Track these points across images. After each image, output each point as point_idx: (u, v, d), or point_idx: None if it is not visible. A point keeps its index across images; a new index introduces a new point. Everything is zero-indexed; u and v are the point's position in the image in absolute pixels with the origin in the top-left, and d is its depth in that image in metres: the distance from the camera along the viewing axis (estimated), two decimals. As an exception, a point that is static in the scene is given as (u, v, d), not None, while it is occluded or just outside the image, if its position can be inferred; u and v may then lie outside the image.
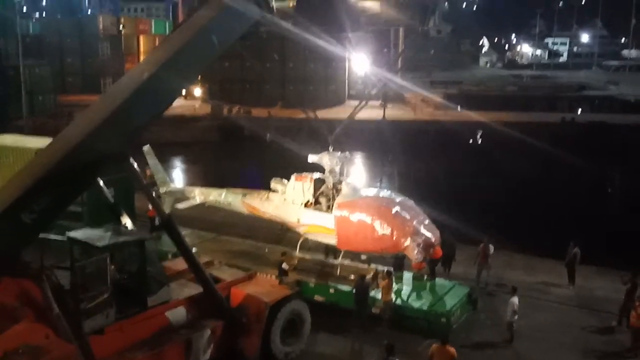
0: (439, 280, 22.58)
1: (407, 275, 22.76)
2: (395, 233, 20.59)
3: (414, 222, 20.97)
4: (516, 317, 19.68)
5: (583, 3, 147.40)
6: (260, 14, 15.35)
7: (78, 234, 15.10)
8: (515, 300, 19.68)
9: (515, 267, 26.37)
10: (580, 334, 20.55)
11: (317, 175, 23.07)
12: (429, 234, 20.92)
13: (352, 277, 21.92)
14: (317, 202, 22.83)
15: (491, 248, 23.77)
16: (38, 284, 13.31)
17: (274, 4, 15.93)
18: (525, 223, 35.13)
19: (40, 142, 23.80)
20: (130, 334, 14.64)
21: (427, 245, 20.63)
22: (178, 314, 15.72)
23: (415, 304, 20.73)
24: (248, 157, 55.82)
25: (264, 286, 17.71)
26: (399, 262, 22.90)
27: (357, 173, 50.78)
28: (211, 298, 16.22)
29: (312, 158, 22.98)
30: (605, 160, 52.82)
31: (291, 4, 72.39)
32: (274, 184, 24.13)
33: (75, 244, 14.92)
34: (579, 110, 79.45)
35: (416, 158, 56.86)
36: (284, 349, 17.51)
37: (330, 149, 23.09)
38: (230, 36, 15.49)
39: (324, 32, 20.28)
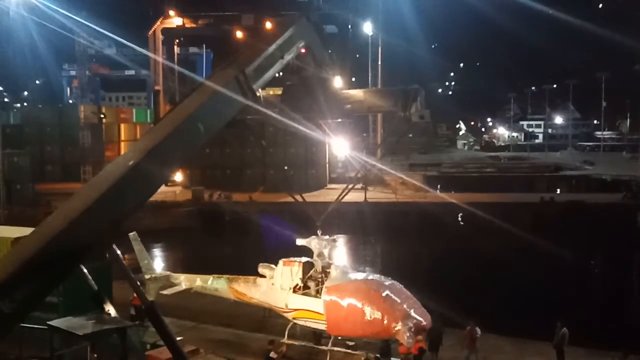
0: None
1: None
2: (386, 317, 20.46)
3: (405, 306, 20.88)
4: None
5: (555, 86, 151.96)
6: (245, 103, 15.60)
7: (59, 322, 14.73)
8: None
9: (503, 351, 25.91)
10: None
11: (305, 259, 23.04)
12: (419, 318, 20.79)
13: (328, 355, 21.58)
14: (305, 286, 22.71)
15: (478, 331, 23.40)
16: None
17: (260, 93, 16.25)
18: (511, 305, 34.93)
19: (16, 232, 23.60)
20: None
21: (418, 329, 20.41)
22: (161, 405, 15.20)
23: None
24: (230, 243, 55.51)
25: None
26: (386, 348, 22.52)
27: (341, 256, 50.59)
28: (195, 388, 15.75)
29: (300, 242, 23.08)
30: (585, 239, 53.23)
31: (271, 92, 73.88)
32: (261, 268, 24.07)
33: (56, 333, 14.53)
34: (558, 190, 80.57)
35: (398, 240, 56.91)
36: None
37: (319, 232, 23.16)
38: (216, 124, 15.68)
39: (308, 119, 20.69)
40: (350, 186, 28.84)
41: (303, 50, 17.78)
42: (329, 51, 19.75)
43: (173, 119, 14.86)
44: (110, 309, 15.81)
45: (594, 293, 41.75)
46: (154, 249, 55.01)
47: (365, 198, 65.02)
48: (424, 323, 20.97)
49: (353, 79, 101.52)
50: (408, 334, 20.22)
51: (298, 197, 26.92)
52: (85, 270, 16.00)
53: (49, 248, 13.11)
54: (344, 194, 26.51)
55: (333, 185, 77.52)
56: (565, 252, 45.48)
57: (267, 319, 27.71)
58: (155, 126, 17.00)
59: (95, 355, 14.30)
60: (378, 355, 21.36)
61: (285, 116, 19.79)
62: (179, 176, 77.62)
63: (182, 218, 64.15)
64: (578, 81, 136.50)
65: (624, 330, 30.75)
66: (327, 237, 23.06)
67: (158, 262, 51.11)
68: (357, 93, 22.51)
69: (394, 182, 75.43)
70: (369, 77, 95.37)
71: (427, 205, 62.60)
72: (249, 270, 26.01)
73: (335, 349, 22.51)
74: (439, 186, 76.84)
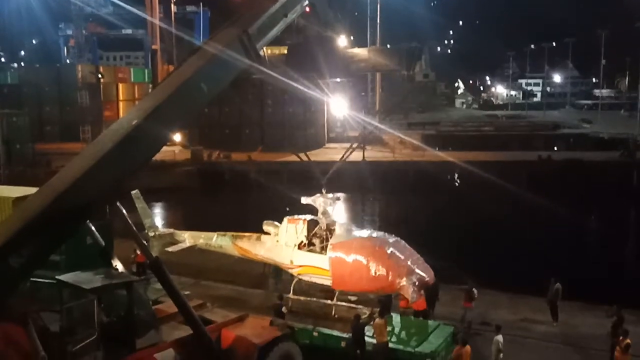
0: (423, 321, 22.58)
1: (392, 316, 22.83)
2: (390, 273, 20.99)
3: (409, 262, 21.39)
4: (501, 355, 19.55)
5: (554, 45, 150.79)
6: (249, 62, 15.69)
7: (67, 277, 15.13)
8: (499, 338, 19.59)
9: (499, 306, 26.31)
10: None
11: (309, 217, 23.45)
12: (423, 273, 21.30)
13: (336, 315, 22.11)
14: (310, 243, 23.14)
15: (475, 292, 23.36)
16: (24, 326, 13.26)
17: (265, 52, 16.33)
18: (506, 261, 35.37)
19: (17, 192, 23.82)
20: None
21: (422, 284, 20.97)
22: (167, 356, 15.64)
23: (401, 345, 20.50)
24: (229, 202, 55.84)
25: (255, 328, 17.66)
26: (387, 303, 23.00)
27: (340, 214, 51.03)
28: (200, 340, 16.21)
29: (305, 200, 23.42)
30: (582, 196, 53.66)
31: (269, 52, 73.53)
32: (266, 226, 24.49)
33: (65, 287, 14.96)
34: (555, 148, 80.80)
35: (396, 198, 57.34)
36: (274, 391, 17.34)
37: (323, 190, 23.52)
38: (219, 84, 15.79)
39: (312, 79, 20.76)
40: (354, 145, 29.17)
41: (307, 9, 17.78)
42: (334, 10, 19.75)
43: (176, 79, 15.01)
44: (118, 264, 16.25)
45: (588, 249, 42.31)
46: (154, 208, 55.42)
47: (364, 157, 65.25)
48: (427, 278, 21.54)
49: (352, 38, 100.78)
50: (412, 289, 20.79)
51: (303, 156, 27.16)
52: (93, 228, 16.36)
53: (55, 205, 13.48)
54: (348, 153, 26.79)
55: (331, 145, 77.72)
56: (561, 209, 45.92)
57: (266, 276, 28.27)
58: (158, 86, 17.17)
59: (102, 305, 14.72)
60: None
61: (289, 76, 19.87)
62: (177, 136, 77.66)
63: (181, 177, 64.42)
64: (577, 39, 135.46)
65: (617, 285, 31.23)
66: (331, 195, 23.44)
67: (158, 221, 51.56)
68: (362, 52, 22.55)
69: (393, 141, 75.56)
70: (368, 36, 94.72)
71: (425, 164, 62.91)
72: (249, 229, 26.39)
73: (340, 303, 23.09)
74: (437, 145, 76.99)
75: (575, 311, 25.65)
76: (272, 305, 22.33)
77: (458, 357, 18.48)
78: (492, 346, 19.86)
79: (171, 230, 28.43)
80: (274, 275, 26.90)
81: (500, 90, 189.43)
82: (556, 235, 44.12)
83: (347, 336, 20.74)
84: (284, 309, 21.46)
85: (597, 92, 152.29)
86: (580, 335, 23.38)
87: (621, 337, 19.18)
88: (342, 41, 20.15)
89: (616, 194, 55.69)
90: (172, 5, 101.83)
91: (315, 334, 21.21)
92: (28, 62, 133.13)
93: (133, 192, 25.94)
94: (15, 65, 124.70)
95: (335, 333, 21.20)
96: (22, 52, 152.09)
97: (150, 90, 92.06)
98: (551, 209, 45.91)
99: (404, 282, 20.94)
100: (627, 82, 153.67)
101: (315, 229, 23.36)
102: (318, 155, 60.51)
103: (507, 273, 31.89)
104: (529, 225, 45.86)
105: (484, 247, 38.79)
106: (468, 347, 18.72)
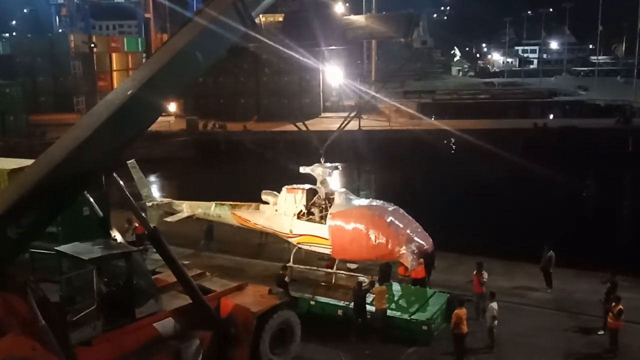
0: (420, 289, 22.76)
1: (392, 284, 23.00)
2: (390, 241, 21.10)
3: (408, 230, 21.49)
4: (496, 322, 19.70)
5: (551, 10, 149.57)
6: (244, 30, 15.60)
7: (66, 247, 15.25)
8: (494, 305, 19.71)
9: (493, 273, 26.12)
10: (561, 338, 20.69)
11: (308, 186, 23.48)
12: (422, 242, 21.42)
13: (337, 284, 22.24)
14: (309, 212, 23.19)
15: (485, 275, 22.33)
16: (23, 296, 13.36)
17: (260, 20, 16.20)
18: (501, 228, 35.45)
19: (12, 164, 23.78)
20: (118, 345, 14.73)
21: (421, 252, 21.11)
22: (167, 324, 15.82)
23: (398, 312, 20.84)
24: (225, 172, 55.79)
25: (254, 296, 17.83)
26: (387, 270, 23.15)
27: (335, 183, 51.03)
28: (199, 308, 16.38)
29: (304, 169, 23.43)
30: (577, 164, 53.76)
31: (263, 19, 72.77)
32: (265, 195, 24.51)
33: (64, 258, 15.08)
34: (551, 115, 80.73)
35: (392, 167, 57.34)
36: (273, 358, 17.55)
37: (322, 160, 23.50)
38: (214, 52, 15.73)
39: (309, 47, 20.59)
40: (352, 115, 29.12)
41: None
42: None
43: (171, 49, 14.94)
44: (117, 235, 16.34)
45: (583, 216, 42.52)
46: (150, 178, 55.35)
47: (360, 126, 65.09)
48: (426, 246, 21.64)
49: (347, 4, 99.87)
50: (412, 257, 20.94)
51: (301, 126, 27.01)
52: (91, 199, 16.41)
53: (53, 176, 13.56)
54: (346, 122, 26.73)
55: (327, 114, 77.39)
56: (556, 176, 46.05)
57: (263, 246, 28.38)
58: (153, 56, 17.09)
59: (106, 280, 14.86)
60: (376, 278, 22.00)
61: (285, 45, 19.72)
62: (172, 106, 77.28)
63: (177, 148, 64.28)
64: (575, 5, 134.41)
65: (611, 252, 31.42)
66: (329, 164, 23.43)
67: (155, 191, 51.52)
68: (359, 19, 22.35)
69: (388, 110, 75.36)
70: (363, 2, 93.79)
71: (420, 133, 62.78)
72: (246, 199, 26.43)
73: (340, 272, 23.25)
74: (433, 114, 76.83)
75: (570, 278, 25.82)
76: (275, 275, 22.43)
77: (459, 319, 18.78)
78: (486, 313, 20.08)
79: (169, 200, 28.46)
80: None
81: (497, 57, 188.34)
82: (551, 202, 44.29)
83: (343, 304, 21.03)
84: (286, 279, 21.60)
85: (593, 58, 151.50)
86: (573, 301, 23.54)
87: (614, 304, 19.44)
88: (338, 8, 19.99)
89: (612, 161, 55.74)
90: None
91: (312, 302, 21.44)
92: (19, 32, 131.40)
93: (129, 161, 25.91)
94: (7, 35, 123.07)
95: (332, 301, 21.45)
96: (14, 22, 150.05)
97: (144, 59, 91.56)
98: (547, 176, 46.04)
99: (403, 250, 21.05)
100: (623, 48, 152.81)
101: (315, 198, 23.42)
102: (314, 124, 60.16)
103: (502, 240, 32.00)
104: (524, 193, 46.00)
105: (479, 215, 38.89)
106: (464, 309, 19.04)
